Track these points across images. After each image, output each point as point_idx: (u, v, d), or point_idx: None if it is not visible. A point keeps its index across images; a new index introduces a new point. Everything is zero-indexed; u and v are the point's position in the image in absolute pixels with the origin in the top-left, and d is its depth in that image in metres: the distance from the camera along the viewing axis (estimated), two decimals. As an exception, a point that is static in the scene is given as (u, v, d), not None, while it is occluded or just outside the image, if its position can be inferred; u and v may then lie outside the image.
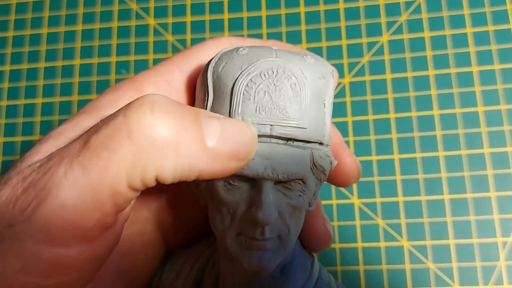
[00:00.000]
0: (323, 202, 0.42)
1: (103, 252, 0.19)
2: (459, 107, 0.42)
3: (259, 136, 0.19)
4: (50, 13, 0.49)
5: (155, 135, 0.17)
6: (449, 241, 0.40)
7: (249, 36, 0.46)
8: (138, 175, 0.17)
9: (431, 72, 0.43)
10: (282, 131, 0.19)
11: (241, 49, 0.20)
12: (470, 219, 0.40)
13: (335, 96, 0.44)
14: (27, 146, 0.38)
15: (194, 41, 0.47)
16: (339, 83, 0.44)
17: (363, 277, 0.40)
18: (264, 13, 0.47)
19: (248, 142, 0.19)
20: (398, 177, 0.42)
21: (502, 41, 0.43)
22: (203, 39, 0.35)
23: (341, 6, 0.46)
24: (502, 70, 0.43)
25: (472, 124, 0.42)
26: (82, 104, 0.46)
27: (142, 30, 0.48)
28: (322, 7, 0.46)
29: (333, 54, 0.45)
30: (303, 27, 0.46)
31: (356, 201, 0.42)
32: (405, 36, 0.45)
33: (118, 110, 0.18)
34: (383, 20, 0.45)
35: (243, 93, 0.19)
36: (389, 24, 0.45)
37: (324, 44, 0.45)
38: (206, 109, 0.20)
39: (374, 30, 0.45)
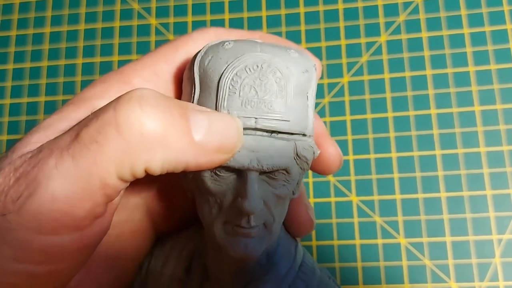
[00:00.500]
0: (322, 199, 0.43)
1: (93, 240, 0.19)
2: (456, 106, 0.43)
3: (244, 129, 0.20)
4: (52, 13, 0.50)
5: (143, 130, 0.17)
6: (446, 238, 0.41)
7: (249, 36, 0.46)
8: (128, 168, 0.17)
9: (429, 72, 0.44)
10: (267, 124, 0.20)
11: (227, 43, 0.21)
12: (466, 217, 0.41)
13: (334, 95, 0.45)
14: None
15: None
16: (338, 83, 0.45)
17: (361, 274, 0.41)
18: (264, 13, 0.47)
19: (234, 136, 0.19)
20: (396, 175, 0.42)
21: (498, 42, 0.44)
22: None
23: (340, 6, 0.47)
24: (498, 70, 0.43)
25: (469, 123, 0.43)
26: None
27: (144, 30, 0.48)
28: (321, 8, 0.47)
29: (332, 54, 0.46)
30: (302, 27, 0.47)
31: (354, 198, 0.42)
32: (403, 36, 0.45)
33: (108, 104, 0.18)
34: (381, 20, 0.46)
35: (229, 87, 0.20)
36: (387, 25, 0.46)
37: (323, 44, 0.46)
38: (193, 102, 0.21)
39: (373, 30, 0.46)
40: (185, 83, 0.22)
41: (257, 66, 0.20)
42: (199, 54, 0.21)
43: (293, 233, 0.26)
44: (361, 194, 0.42)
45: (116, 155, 0.17)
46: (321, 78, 0.45)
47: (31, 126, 0.47)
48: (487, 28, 0.44)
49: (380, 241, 0.41)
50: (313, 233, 0.42)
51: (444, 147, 0.42)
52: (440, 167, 0.42)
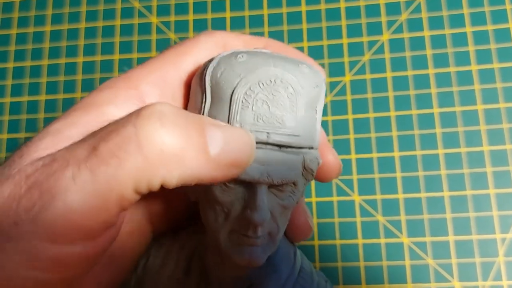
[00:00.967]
0: (324, 199, 0.42)
1: (104, 247, 0.19)
2: (459, 105, 0.43)
3: (256, 143, 0.20)
4: (53, 11, 0.49)
5: (164, 147, 0.18)
6: (449, 237, 0.40)
7: (251, 34, 0.46)
8: (145, 182, 0.18)
9: (431, 70, 0.44)
10: (278, 138, 0.20)
11: (240, 55, 0.21)
12: (469, 216, 0.41)
13: (337, 94, 0.45)
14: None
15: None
16: (340, 81, 0.45)
17: (364, 273, 0.40)
18: (265, 11, 0.47)
19: (248, 151, 0.20)
20: (398, 174, 0.42)
21: (501, 40, 0.44)
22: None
23: (342, 5, 0.47)
24: (501, 69, 0.43)
25: (472, 122, 0.42)
26: (85, 101, 0.46)
27: (145, 28, 0.48)
28: (323, 6, 0.47)
29: (334, 53, 0.45)
30: (304, 26, 0.46)
31: (356, 198, 0.42)
32: (405, 35, 0.45)
33: (127, 118, 0.18)
34: (383, 19, 0.46)
35: (242, 101, 0.20)
36: (390, 23, 0.46)
37: (325, 42, 0.46)
38: (203, 112, 0.21)
39: (375, 29, 0.46)
40: (194, 92, 0.22)
41: (270, 81, 0.20)
42: (211, 65, 0.21)
43: (290, 238, 0.26)
44: (364, 193, 0.42)
45: (136, 170, 0.17)
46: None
47: (31, 124, 0.46)
48: (490, 27, 0.44)
49: (383, 240, 0.41)
50: (316, 232, 0.42)
51: (447, 146, 0.42)
52: (443, 166, 0.42)
